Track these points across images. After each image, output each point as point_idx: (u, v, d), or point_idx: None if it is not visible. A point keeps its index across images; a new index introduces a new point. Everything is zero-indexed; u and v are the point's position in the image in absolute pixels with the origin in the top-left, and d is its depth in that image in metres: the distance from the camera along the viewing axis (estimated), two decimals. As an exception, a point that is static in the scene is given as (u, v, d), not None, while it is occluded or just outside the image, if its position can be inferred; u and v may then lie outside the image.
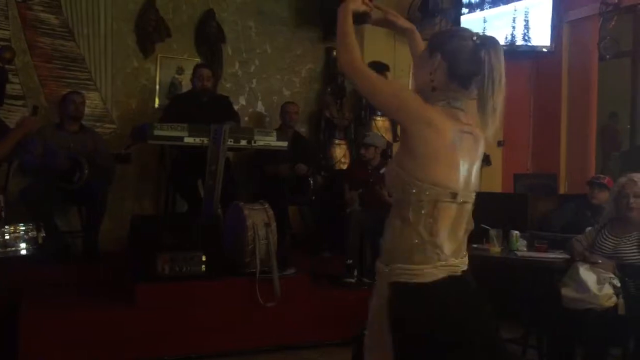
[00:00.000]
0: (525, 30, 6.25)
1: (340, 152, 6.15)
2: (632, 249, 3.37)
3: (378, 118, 5.98)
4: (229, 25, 5.95)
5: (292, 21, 6.23)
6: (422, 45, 1.99)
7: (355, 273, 4.73)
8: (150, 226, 4.28)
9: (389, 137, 5.92)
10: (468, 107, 1.78)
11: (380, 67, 5.48)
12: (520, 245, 3.91)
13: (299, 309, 4.27)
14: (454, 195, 1.72)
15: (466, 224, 1.80)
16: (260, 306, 4.10)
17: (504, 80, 1.72)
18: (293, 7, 6.23)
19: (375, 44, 5.94)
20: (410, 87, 3.41)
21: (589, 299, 3.21)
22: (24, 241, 2.80)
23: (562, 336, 3.39)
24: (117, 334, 3.76)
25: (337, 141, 6.15)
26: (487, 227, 3.95)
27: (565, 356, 3.39)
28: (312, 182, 5.42)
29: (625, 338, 3.33)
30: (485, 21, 6.43)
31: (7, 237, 2.76)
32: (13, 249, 2.78)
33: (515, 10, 6.29)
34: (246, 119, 5.93)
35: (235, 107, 5.54)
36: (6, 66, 4.83)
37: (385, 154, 5.40)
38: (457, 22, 6.39)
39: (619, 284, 3.22)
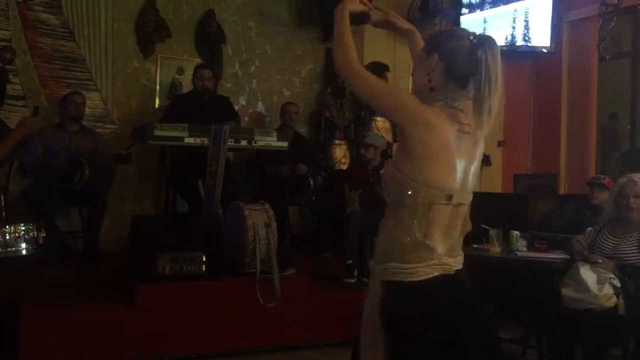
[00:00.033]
0: (525, 31, 6.26)
1: (340, 153, 6.15)
2: (632, 249, 3.37)
3: (378, 118, 5.97)
4: (229, 26, 5.95)
5: (292, 22, 6.23)
6: (422, 46, 1.98)
7: (356, 273, 4.74)
8: (150, 226, 4.28)
9: (389, 137, 5.91)
10: (468, 107, 1.78)
11: (380, 68, 5.49)
12: (520, 246, 3.91)
13: (299, 309, 4.27)
14: (450, 197, 1.72)
15: (462, 225, 1.80)
16: (260, 306, 4.10)
17: (500, 80, 1.72)
18: (293, 8, 6.22)
19: (375, 45, 5.94)
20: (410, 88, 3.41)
21: (589, 299, 3.21)
22: (24, 241, 2.80)
23: (562, 336, 3.38)
24: (117, 334, 3.77)
25: (337, 141, 6.16)
26: (487, 227, 3.96)
27: (566, 356, 3.39)
28: (312, 182, 5.43)
29: (625, 338, 3.33)
30: (485, 21, 6.44)
31: (7, 237, 2.76)
32: (13, 249, 2.78)
33: (515, 10, 6.30)
34: (246, 119, 5.93)
35: (236, 108, 5.53)
36: (7, 66, 4.85)
37: (386, 155, 5.39)
38: (457, 22, 6.40)
39: (619, 284, 3.22)
